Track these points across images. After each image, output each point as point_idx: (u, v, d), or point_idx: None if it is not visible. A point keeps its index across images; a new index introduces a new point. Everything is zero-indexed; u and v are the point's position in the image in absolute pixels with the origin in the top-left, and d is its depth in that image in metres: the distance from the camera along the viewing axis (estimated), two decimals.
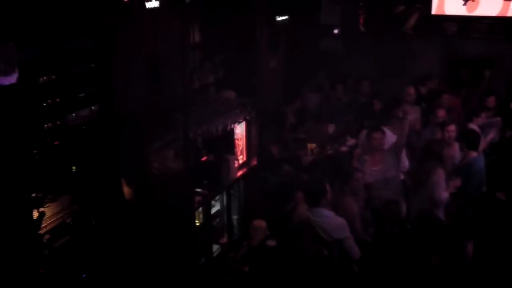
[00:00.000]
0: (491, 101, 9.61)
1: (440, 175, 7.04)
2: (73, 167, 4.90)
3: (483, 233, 5.85)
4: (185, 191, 6.38)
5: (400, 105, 9.17)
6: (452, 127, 8.02)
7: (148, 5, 5.65)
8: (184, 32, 6.31)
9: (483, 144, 8.16)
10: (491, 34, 11.17)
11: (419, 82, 10.33)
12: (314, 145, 8.93)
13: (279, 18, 9.94)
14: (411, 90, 9.68)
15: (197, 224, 6.79)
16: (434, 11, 9.97)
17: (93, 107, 5.01)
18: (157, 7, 5.75)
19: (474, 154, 7.58)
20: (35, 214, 4.47)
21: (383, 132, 7.73)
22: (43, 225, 4.59)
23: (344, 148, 8.97)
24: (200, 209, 6.83)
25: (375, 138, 7.67)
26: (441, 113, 8.75)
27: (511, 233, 5.65)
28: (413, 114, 9.25)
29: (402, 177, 7.81)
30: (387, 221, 6.04)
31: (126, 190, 5.78)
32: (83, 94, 4.90)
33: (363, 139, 8.14)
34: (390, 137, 7.77)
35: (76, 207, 4.99)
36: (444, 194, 7.02)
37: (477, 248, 5.91)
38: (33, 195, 4.45)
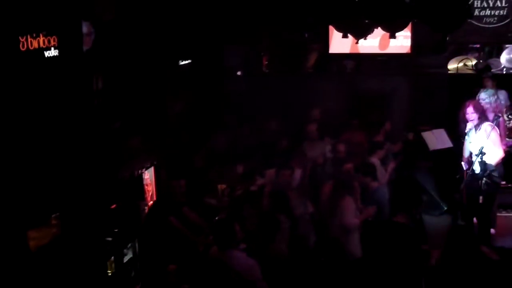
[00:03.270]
0: (387, 125, 10.15)
1: (348, 202, 7.27)
2: None
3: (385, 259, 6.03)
4: (95, 240, 6.24)
5: (303, 142, 9.47)
6: (349, 165, 8.31)
7: (47, 54, 5.56)
8: (85, 80, 6.26)
9: (386, 175, 8.55)
10: (385, 70, 11.85)
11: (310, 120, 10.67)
12: (224, 186, 8.96)
13: (182, 62, 10.03)
14: (313, 127, 10.00)
15: (109, 273, 6.64)
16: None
17: None
18: (56, 55, 5.67)
19: (374, 185, 8.02)
20: None
21: (291, 170, 7.91)
22: None
23: (253, 188, 9.05)
24: (112, 258, 6.70)
25: (284, 176, 7.84)
26: (341, 147, 9.09)
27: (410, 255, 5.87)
28: (316, 150, 9.55)
29: (311, 210, 7.96)
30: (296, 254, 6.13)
31: (32, 243, 5.60)
32: None
33: (272, 178, 8.28)
34: (297, 174, 7.97)
35: None
36: (354, 221, 7.22)
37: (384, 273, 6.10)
38: None
